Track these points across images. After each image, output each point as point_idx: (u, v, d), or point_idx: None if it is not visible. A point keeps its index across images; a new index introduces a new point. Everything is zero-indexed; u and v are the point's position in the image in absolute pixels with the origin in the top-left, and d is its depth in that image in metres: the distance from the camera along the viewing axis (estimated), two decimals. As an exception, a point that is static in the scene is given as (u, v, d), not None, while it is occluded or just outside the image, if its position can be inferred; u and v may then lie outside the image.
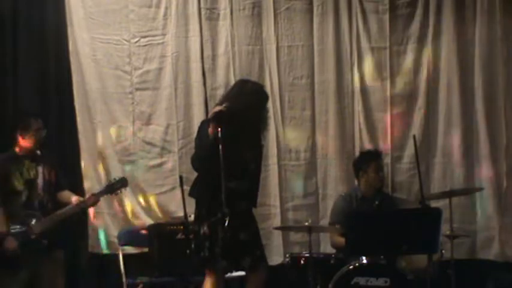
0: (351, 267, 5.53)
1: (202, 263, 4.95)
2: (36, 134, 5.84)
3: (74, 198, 5.94)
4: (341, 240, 5.69)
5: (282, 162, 6.82)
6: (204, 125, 5.01)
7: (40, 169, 5.88)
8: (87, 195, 6.09)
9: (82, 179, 6.69)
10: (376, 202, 6.28)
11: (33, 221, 5.71)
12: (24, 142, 5.83)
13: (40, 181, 5.85)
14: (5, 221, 5.65)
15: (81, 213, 6.09)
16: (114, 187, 5.97)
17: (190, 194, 5.13)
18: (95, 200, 5.92)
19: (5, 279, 5.68)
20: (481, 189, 6.58)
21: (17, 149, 5.86)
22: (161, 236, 6.20)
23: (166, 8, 6.89)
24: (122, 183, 6.00)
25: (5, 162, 5.80)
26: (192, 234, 5.14)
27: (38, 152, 5.90)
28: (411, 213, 5.27)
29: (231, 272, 5.25)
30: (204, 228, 4.93)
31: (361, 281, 5.49)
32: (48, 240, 5.74)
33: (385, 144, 6.85)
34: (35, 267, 5.72)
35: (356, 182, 6.48)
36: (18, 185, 5.76)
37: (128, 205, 6.73)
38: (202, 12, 6.89)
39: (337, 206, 6.34)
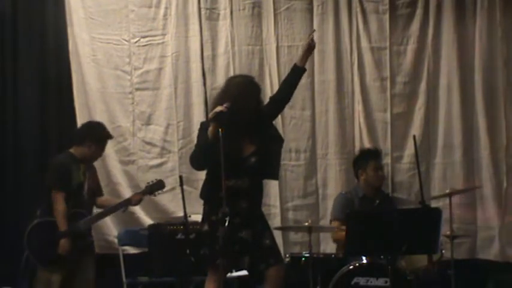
0: (351, 267, 5.53)
1: (203, 261, 4.94)
2: (99, 151, 6.10)
3: (114, 199, 6.27)
4: (342, 234, 5.67)
5: (282, 162, 6.78)
6: (202, 127, 5.00)
7: (87, 174, 6.08)
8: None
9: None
10: (377, 201, 6.29)
11: (82, 219, 5.91)
12: (88, 151, 6.01)
13: (86, 185, 6.05)
14: (66, 220, 5.84)
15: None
16: (153, 188, 6.10)
17: (200, 196, 5.12)
18: (139, 198, 6.08)
19: (46, 273, 5.86)
20: (480, 186, 6.59)
21: (74, 151, 6.04)
22: (161, 236, 6.21)
23: (166, 8, 6.90)
24: (160, 185, 6.11)
25: (69, 161, 5.99)
26: (196, 233, 5.16)
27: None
28: (411, 213, 5.27)
29: (231, 271, 5.25)
30: (205, 227, 4.93)
31: (361, 281, 5.49)
32: (91, 239, 6.09)
33: (385, 144, 6.85)
34: (75, 264, 5.92)
35: (356, 181, 6.48)
36: (75, 184, 5.96)
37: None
38: (202, 12, 6.89)
39: (337, 203, 6.33)
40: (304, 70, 5.10)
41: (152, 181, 6.14)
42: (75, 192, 5.94)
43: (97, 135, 6.06)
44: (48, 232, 5.81)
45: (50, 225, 5.82)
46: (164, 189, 6.59)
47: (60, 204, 5.82)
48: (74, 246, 5.83)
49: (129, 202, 6.08)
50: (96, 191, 6.20)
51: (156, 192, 6.14)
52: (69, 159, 5.99)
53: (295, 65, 5.10)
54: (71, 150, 6.06)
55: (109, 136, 6.14)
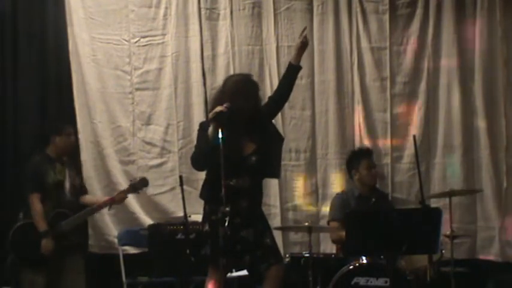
0: (351, 267, 5.53)
1: (204, 260, 4.94)
2: (67, 138, 6.10)
3: (99, 197, 6.29)
4: (341, 234, 5.68)
5: (282, 162, 6.77)
6: (202, 127, 5.00)
7: (67, 172, 6.08)
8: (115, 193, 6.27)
9: (82, 179, 6.68)
10: (373, 200, 6.30)
11: (64, 220, 5.92)
12: (55, 145, 6.05)
13: (67, 184, 6.06)
14: (45, 219, 5.88)
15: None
16: (136, 187, 6.11)
17: (200, 196, 5.11)
18: (123, 197, 6.11)
19: (30, 275, 5.89)
20: (480, 189, 6.60)
21: (47, 152, 6.07)
22: (161, 236, 6.21)
23: (166, 8, 6.90)
24: (143, 183, 6.13)
25: (42, 161, 6.03)
26: (196, 233, 5.16)
27: (65, 158, 6.16)
28: (411, 213, 5.27)
29: (231, 271, 5.24)
30: (206, 227, 4.93)
31: (361, 281, 5.50)
32: (75, 239, 6.06)
33: (385, 144, 6.86)
34: (59, 265, 5.92)
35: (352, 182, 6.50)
36: (51, 183, 5.97)
37: (128, 205, 6.71)
38: (202, 12, 6.90)
39: (334, 204, 6.37)
40: (299, 68, 5.09)
41: (135, 179, 6.16)
42: (52, 192, 5.95)
43: (54, 127, 6.12)
44: (31, 234, 5.84)
45: (32, 226, 5.85)
46: (164, 189, 6.63)
47: (35, 205, 5.86)
48: (57, 246, 5.83)
49: (112, 201, 6.08)
50: (79, 189, 6.20)
51: (140, 190, 6.15)
52: (42, 160, 6.03)
53: (290, 63, 5.11)
54: (47, 151, 6.09)
55: (64, 121, 6.21)
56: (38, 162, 6.02)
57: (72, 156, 6.30)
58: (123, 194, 6.10)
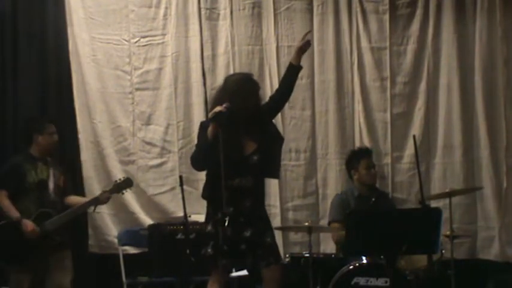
0: (351, 267, 5.53)
1: (207, 261, 4.94)
2: (49, 137, 6.02)
3: (84, 198, 6.21)
4: (343, 234, 5.69)
5: (282, 162, 6.77)
6: (202, 126, 5.00)
7: (51, 172, 6.03)
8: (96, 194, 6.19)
9: (82, 179, 6.69)
10: (373, 199, 6.31)
11: (47, 219, 5.84)
12: (38, 144, 6.00)
13: (51, 184, 5.99)
14: (16, 210, 5.82)
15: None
16: (120, 187, 6.06)
17: (202, 196, 5.11)
18: (107, 196, 6.04)
19: (15, 275, 5.83)
20: (481, 187, 6.60)
21: (31, 151, 6.02)
22: (161, 236, 6.21)
23: (166, 8, 6.90)
24: (127, 183, 6.08)
25: (21, 160, 5.98)
26: (196, 233, 5.16)
27: (49, 158, 6.08)
28: (411, 213, 5.27)
29: (233, 271, 5.24)
30: (209, 227, 4.92)
31: (361, 281, 5.50)
32: (60, 238, 5.93)
33: (385, 144, 6.86)
34: (44, 263, 5.85)
35: (351, 181, 6.50)
36: (32, 182, 5.90)
37: (128, 205, 6.72)
38: (202, 12, 6.90)
39: (334, 204, 6.38)
40: (299, 68, 5.08)
41: (120, 179, 6.12)
42: (34, 191, 5.89)
43: (35, 125, 6.06)
44: (13, 233, 5.78)
45: (12, 226, 5.80)
46: (164, 189, 6.61)
47: (2, 201, 5.80)
48: (41, 246, 5.76)
49: (97, 201, 6.03)
50: (63, 189, 6.12)
51: (124, 190, 6.10)
52: (21, 159, 5.98)
53: (290, 63, 5.11)
54: (30, 150, 6.03)
55: (46, 119, 6.16)
56: (18, 161, 5.98)
57: (57, 155, 6.23)
58: (108, 194, 6.03)
